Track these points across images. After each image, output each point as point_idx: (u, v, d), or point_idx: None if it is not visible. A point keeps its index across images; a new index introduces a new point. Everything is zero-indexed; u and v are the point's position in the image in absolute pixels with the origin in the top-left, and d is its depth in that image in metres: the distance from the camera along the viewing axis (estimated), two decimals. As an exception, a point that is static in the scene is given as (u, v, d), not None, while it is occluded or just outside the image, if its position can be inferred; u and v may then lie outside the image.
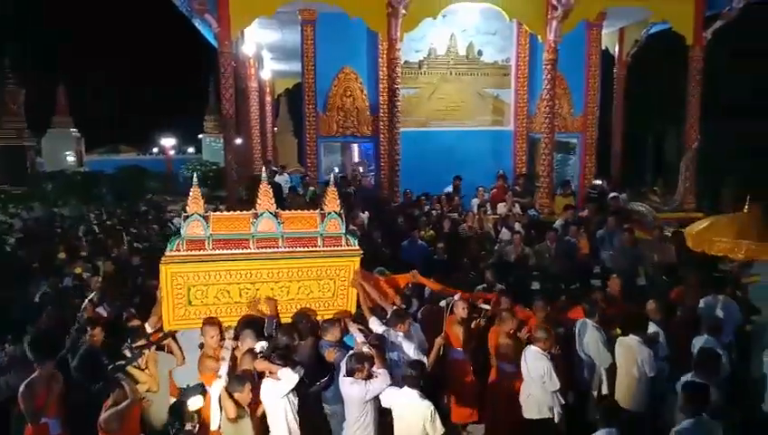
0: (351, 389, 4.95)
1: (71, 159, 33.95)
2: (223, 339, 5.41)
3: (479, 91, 13.75)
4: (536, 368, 5.47)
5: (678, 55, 12.79)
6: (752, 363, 6.20)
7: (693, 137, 12.42)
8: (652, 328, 5.99)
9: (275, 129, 22.47)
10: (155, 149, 43.81)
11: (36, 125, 31.96)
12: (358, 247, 5.75)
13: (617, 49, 15.23)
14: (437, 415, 4.84)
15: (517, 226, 9.96)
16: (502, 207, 11.22)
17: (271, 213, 5.55)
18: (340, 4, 11.02)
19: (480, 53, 13.61)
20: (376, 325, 5.68)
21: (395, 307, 5.88)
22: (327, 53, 12.80)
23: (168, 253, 5.36)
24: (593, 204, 11.03)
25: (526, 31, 12.70)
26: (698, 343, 5.94)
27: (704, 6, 12.04)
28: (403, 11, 10.72)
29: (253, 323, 5.39)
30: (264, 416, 4.93)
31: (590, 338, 6.06)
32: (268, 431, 4.93)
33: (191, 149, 43.93)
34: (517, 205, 11.30)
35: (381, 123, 12.82)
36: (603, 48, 14.61)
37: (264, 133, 18.38)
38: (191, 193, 5.58)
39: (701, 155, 12.63)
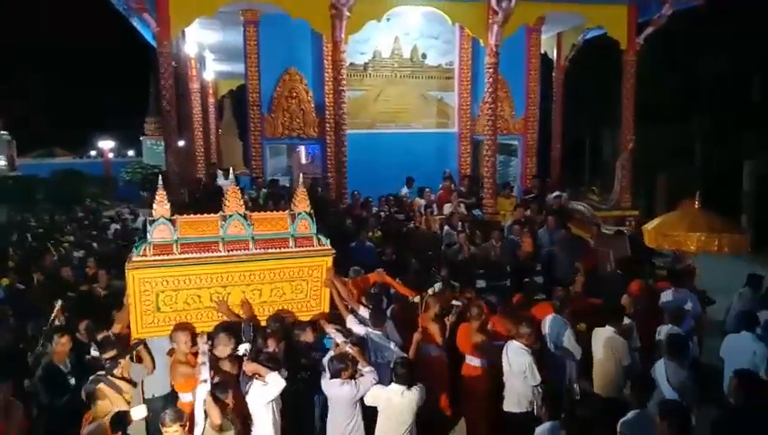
0: (342, 390, 4.93)
1: (1, 163, 32.38)
2: (195, 344, 5.23)
3: (424, 94, 13.93)
4: (518, 363, 5.56)
5: (613, 60, 13.28)
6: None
7: (628, 138, 12.91)
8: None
9: (219, 131, 22.05)
10: (92, 153, 42.28)
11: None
12: (330, 247, 5.71)
13: (555, 53, 15.69)
14: None
15: (461, 225, 10.15)
16: (448, 208, 11.39)
17: (240, 215, 5.46)
18: (282, 5, 10.93)
19: (424, 56, 13.79)
20: (354, 325, 5.68)
21: (373, 308, 5.91)
22: (271, 54, 12.69)
23: (134, 258, 5.18)
24: (535, 204, 11.31)
25: (468, 35, 12.93)
26: (663, 331, 6.29)
27: (636, 13, 12.53)
28: (347, 13, 10.73)
29: (229, 329, 5.24)
30: (245, 423, 4.78)
31: (562, 332, 6.22)
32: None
33: (131, 152, 42.63)
34: (462, 205, 11.49)
35: (327, 125, 12.81)
36: (542, 52, 15.05)
37: (207, 135, 18.01)
38: (157, 196, 5.41)
39: (636, 155, 13.14)
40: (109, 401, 4.48)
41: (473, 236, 9.80)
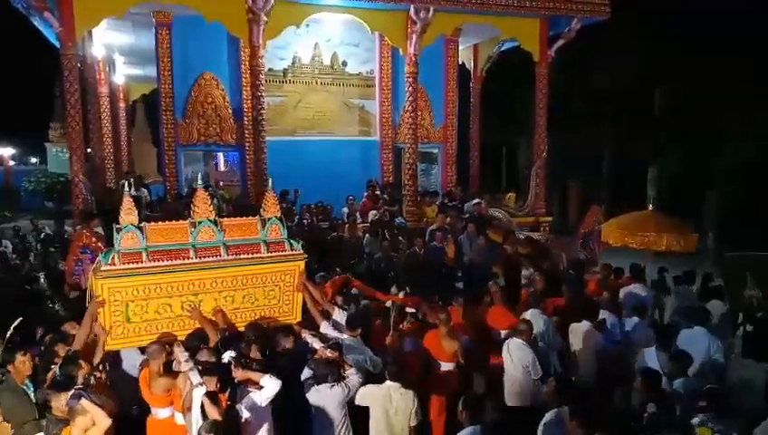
0: (333, 392, 4.89)
1: None
2: (169, 354, 5.07)
3: (345, 102, 13.88)
4: (521, 358, 5.80)
5: (527, 71, 13.76)
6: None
7: (541, 147, 13.39)
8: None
9: (131, 137, 21.06)
10: (-10, 160, 39.45)
11: None
12: (301, 251, 5.67)
13: (472, 64, 16.06)
14: None
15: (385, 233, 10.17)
16: (372, 216, 11.37)
17: (211, 221, 5.34)
18: (196, 7, 10.55)
19: (345, 63, 13.75)
20: (328, 330, 5.64)
21: (348, 313, 5.96)
22: (185, 58, 12.25)
23: (102, 267, 4.94)
24: (455, 211, 11.50)
25: (388, 44, 13.02)
26: (629, 324, 6.90)
27: (547, 27, 13.03)
28: (265, 18, 10.51)
29: (202, 337, 5.18)
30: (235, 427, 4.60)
31: (543, 325, 6.51)
32: None
33: (35, 160, 40.14)
34: (387, 213, 11.51)
35: (246, 132, 12.50)
36: (460, 63, 15.38)
37: (117, 142, 17.15)
38: (123, 203, 5.23)
39: (549, 163, 13.65)
40: (90, 417, 4.14)
41: (396, 243, 9.83)
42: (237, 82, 12.60)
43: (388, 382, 5.07)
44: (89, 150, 13.80)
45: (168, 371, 5.06)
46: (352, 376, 5.07)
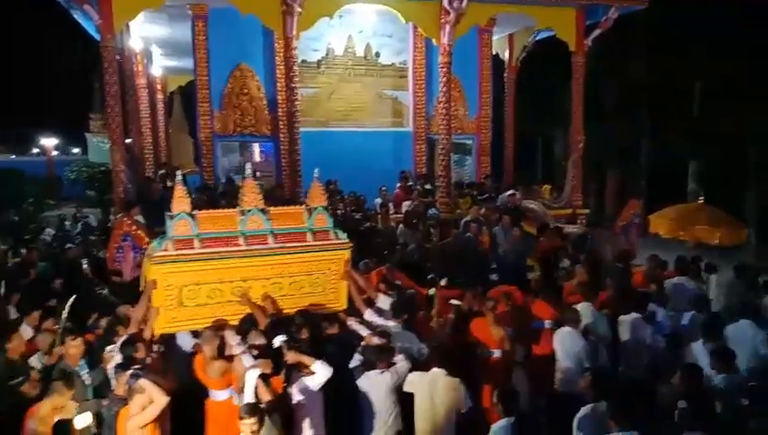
0: (382, 378, 4.96)
1: (-67, 160, 30.70)
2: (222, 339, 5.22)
3: (378, 93, 13.86)
4: (575, 346, 5.83)
5: (563, 61, 13.53)
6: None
7: (578, 138, 13.17)
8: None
9: (169, 128, 21.44)
10: (35, 151, 40.64)
11: None
12: (347, 240, 5.81)
13: (507, 54, 15.85)
14: None
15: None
16: (406, 207, 11.37)
17: (259, 210, 5.48)
18: (231, 1, 10.65)
19: (378, 54, 13.72)
20: (374, 317, 5.70)
21: (394, 300, 6.02)
22: (221, 50, 12.38)
23: (156, 253, 5.13)
24: (490, 203, 11.42)
25: (421, 34, 12.94)
26: (686, 317, 6.76)
27: (584, 16, 12.77)
28: (299, 9, 10.54)
29: (254, 321, 5.32)
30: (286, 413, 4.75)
31: (596, 320, 6.49)
32: (291, 427, 4.79)
33: (76, 150, 41.15)
34: (421, 204, 11.49)
35: (281, 123, 12.58)
36: (494, 53, 15.19)
37: (155, 133, 17.48)
38: (176, 192, 5.39)
39: (585, 155, 13.43)
40: (147, 396, 4.32)
41: (429, 234, 9.83)
42: (272, 73, 12.69)
43: (433, 369, 5.08)
44: (128, 141, 14.08)
45: (221, 354, 5.18)
46: (401, 362, 5.12)
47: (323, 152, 12.38)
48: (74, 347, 5.29)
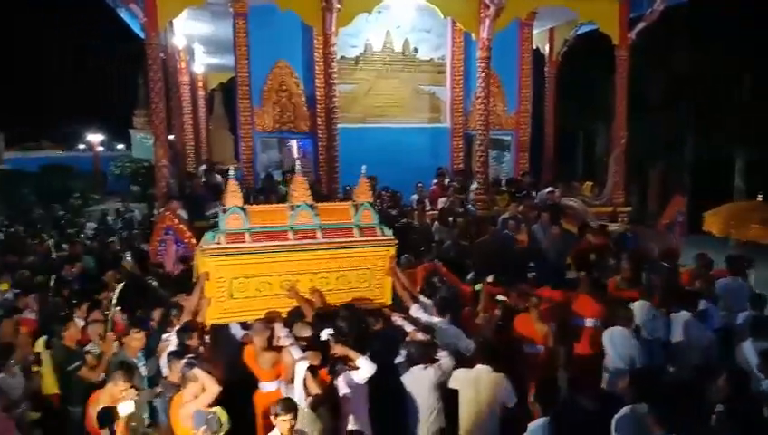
0: (426, 374, 5.00)
1: (-13, 156, 31.92)
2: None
3: (416, 88, 13.81)
4: (627, 347, 5.71)
5: (606, 55, 13.23)
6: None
7: (620, 133, 12.89)
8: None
9: (209, 124, 21.85)
10: (81, 146, 41.83)
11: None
12: (392, 237, 5.87)
13: (547, 48, 15.60)
14: None
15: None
16: (442, 204, 11.32)
17: (308, 205, 5.59)
18: (271, -3, 10.77)
19: (416, 50, 13.67)
20: (419, 313, 5.73)
21: (439, 296, 6.06)
22: (261, 47, 12.49)
23: (209, 246, 5.30)
24: (528, 199, 11.27)
25: (460, 29, 12.83)
26: (741, 317, 6.60)
27: (628, 9, 12.47)
28: (338, 5, 10.59)
29: (302, 314, 5.43)
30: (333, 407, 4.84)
31: (646, 316, 6.31)
32: (338, 421, 4.85)
33: (121, 146, 42.22)
34: (457, 200, 11.42)
35: (319, 119, 12.66)
36: (535, 47, 14.96)
37: (197, 129, 17.83)
38: (228, 186, 5.55)
39: (628, 151, 13.13)
40: (200, 384, 4.47)
41: (466, 231, 9.76)
42: (310, 69, 12.78)
43: (478, 366, 5.08)
44: (170, 137, 14.40)
45: (271, 346, 5.28)
46: (445, 359, 5.13)
47: (361, 148, 12.40)
48: (136, 340, 5.51)
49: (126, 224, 13.38)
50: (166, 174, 10.99)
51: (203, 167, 15.26)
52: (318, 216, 5.64)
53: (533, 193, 11.93)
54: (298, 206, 5.63)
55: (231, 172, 5.82)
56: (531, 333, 6.13)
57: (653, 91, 20.54)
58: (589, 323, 6.43)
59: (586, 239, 9.33)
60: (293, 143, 15.43)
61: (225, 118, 27.66)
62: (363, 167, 6.22)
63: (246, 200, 8.34)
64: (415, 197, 11.77)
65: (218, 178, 13.01)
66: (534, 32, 14.54)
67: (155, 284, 7.58)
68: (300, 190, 5.72)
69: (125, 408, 4.80)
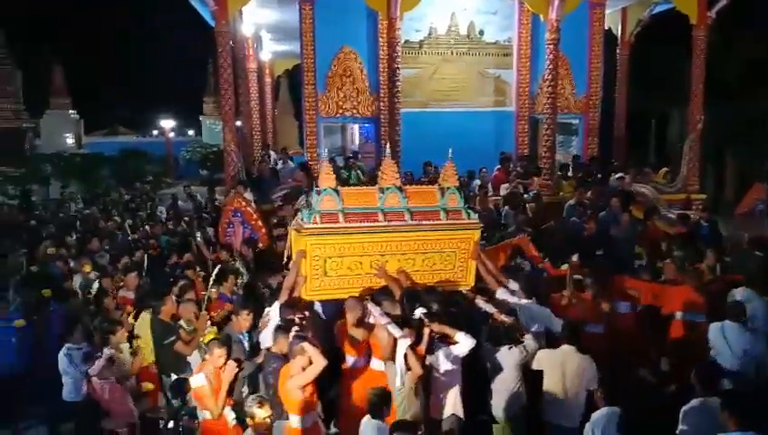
0: (510, 354, 5.11)
1: (69, 141, 33.67)
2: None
3: (481, 72, 13.60)
4: (741, 342, 5.56)
5: (682, 35, 12.60)
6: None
7: (696, 118, 12.28)
8: None
9: (275, 111, 22.29)
10: (155, 132, 43.51)
11: (34, 106, 31.72)
12: (477, 220, 6.00)
13: (620, 29, 15.02)
14: None
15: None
16: (504, 189, 11.15)
17: (396, 187, 5.76)
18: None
19: (481, 32, 13.44)
20: (506, 296, 5.82)
21: (525, 277, 6.22)
22: (326, 33, 12.60)
23: (305, 225, 5.54)
24: (596, 186, 10.95)
25: (528, 10, 12.51)
26: None
27: (708, -14, 11.83)
28: (403, -11, 10.54)
29: (388, 294, 5.55)
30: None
31: (762, 308, 6.14)
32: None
33: (191, 132, 43.66)
34: (521, 186, 11.23)
35: (382, 104, 12.70)
36: (606, 28, 14.42)
37: (263, 115, 18.22)
38: (323, 168, 5.84)
39: (704, 136, 12.50)
40: (307, 358, 4.67)
41: (535, 217, 9.61)
42: (374, 54, 12.79)
43: (563, 347, 5.11)
44: (238, 123, 14.78)
45: (362, 323, 5.43)
46: (529, 341, 5.19)
47: (424, 133, 12.41)
48: (245, 320, 5.80)
49: (197, 207, 13.83)
50: (234, 158, 11.30)
51: (269, 152, 15.60)
52: (406, 198, 5.78)
53: (604, 179, 11.56)
54: (387, 188, 5.76)
55: (324, 154, 6.02)
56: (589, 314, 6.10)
57: (732, 74, 19.39)
58: (680, 315, 6.26)
59: (657, 227, 8.99)
60: (355, 128, 15.56)
61: (289, 104, 28.18)
62: (450, 150, 6.27)
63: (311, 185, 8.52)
64: (477, 182, 11.63)
65: (290, 163, 13.29)
66: (606, 12, 13.98)
67: (237, 265, 7.83)
68: (389, 173, 5.85)
69: (197, 380, 5.02)
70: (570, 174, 11.99)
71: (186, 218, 12.30)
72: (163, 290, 6.53)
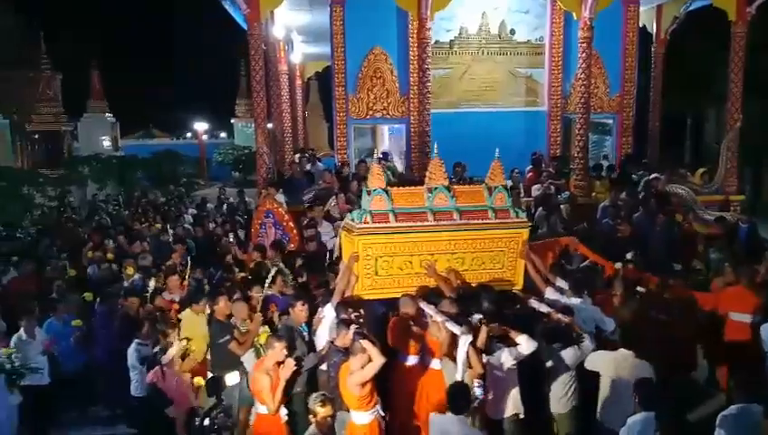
0: (565, 354, 5.15)
1: (106, 143, 34.41)
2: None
3: (512, 71, 13.48)
4: None
5: (720, 32, 12.29)
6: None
7: (734, 117, 11.97)
8: None
9: (306, 113, 22.48)
10: (188, 134, 44.21)
11: (72, 110, 32.50)
12: (526, 219, 6.04)
13: (654, 26, 14.75)
14: None
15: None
16: (536, 190, 11.03)
17: (444, 187, 5.83)
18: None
19: (513, 31, 13.33)
20: (556, 295, 5.85)
21: (575, 275, 6.21)
22: (357, 34, 12.65)
23: (357, 225, 5.64)
24: (630, 186, 10.76)
25: (560, 8, 12.36)
26: None
27: (747, -20, 11.51)
28: (434, -11, 10.52)
29: (438, 294, 5.59)
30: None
31: None
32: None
33: (223, 134, 44.25)
34: (553, 187, 11.09)
35: (411, 105, 12.69)
36: (641, 25, 14.16)
37: (294, 117, 18.38)
38: (372, 169, 5.93)
39: (743, 135, 12.18)
40: (367, 355, 4.75)
41: (569, 218, 9.51)
42: (405, 55, 12.77)
43: (621, 350, 5.07)
44: (269, 125, 14.92)
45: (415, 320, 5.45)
46: (586, 341, 5.17)
47: (454, 134, 12.34)
48: (301, 311, 5.89)
49: (229, 209, 14.00)
50: (266, 160, 11.42)
51: (300, 154, 15.71)
52: (454, 198, 5.81)
53: (638, 180, 11.35)
54: (436, 188, 5.81)
55: (375, 156, 6.46)
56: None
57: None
58: (747, 318, 6.18)
59: (695, 229, 8.80)
60: (384, 129, 15.57)
61: (319, 106, 28.40)
62: (497, 150, 6.26)
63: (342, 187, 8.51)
64: (509, 183, 11.51)
65: (319, 165, 13.37)
66: (641, 9, 13.75)
67: (281, 265, 7.90)
68: (437, 173, 5.90)
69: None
70: (603, 174, 11.81)
71: (217, 219, 12.46)
72: (218, 290, 6.61)
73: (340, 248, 6.12)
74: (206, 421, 5.23)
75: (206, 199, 17.04)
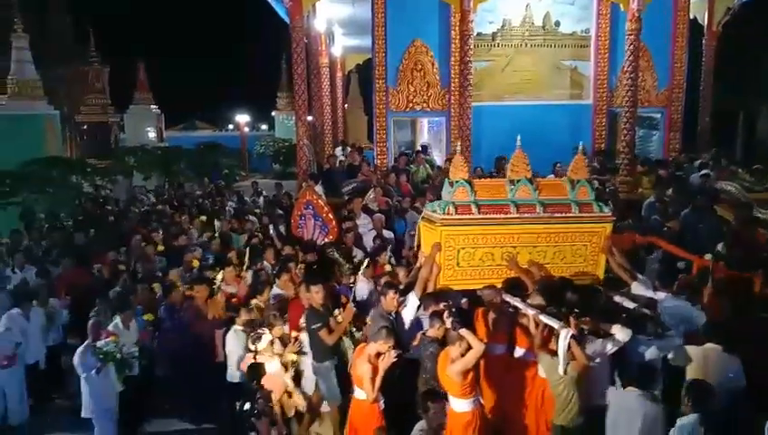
0: (651, 348, 5.03)
1: (151, 134, 35.15)
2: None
3: (556, 64, 13.23)
4: None
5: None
6: None
7: (791, 112, 11.49)
8: None
9: (346, 105, 22.52)
10: (230, 126, 44.83)
11: (119, 102, 33.34)
12: (610, 214, 5.92)
13: (706, 18, 14.27)
14: None
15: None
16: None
17: (527, 180, 5.79)
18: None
19: (557, 23, 13.07)
20: (641, 290, 5.74)
21: (659, 270, 6.25)
22: (398, 27, 12.62)
23: (440, 217, 5.65)
24: (678, 183, 10.43)
25: (607, -1, 12.06)
26: None
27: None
28: (477, -19, 10.38)
29: (519, 284, 5.59)
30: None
31: None
32: None
33: (264, 126, 44.73)
34: (596, 182, 10.84)
35: (452, 98, 12.57)
36: (691, 17, 13.70)
37: (335, 110, 18.45)
38: (455, 161, 5.89)
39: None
40: (466, 343, 4.77)
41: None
42: (446, 48, 12.67)
43: (708, 344, 4.94)
44: (310, 118, 15.00)
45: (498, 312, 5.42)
46: (671, 335, 5.08)
47: (496, 127, 12.20)
48: (393, 299, 5.84)
49: (269, 201, 14.07)
50: (306, 153, 11.49)
51: (340, 146, 15.77)
52: (537, 191, 5.76)
53: (686, 176, 11.00)
54: (518, 181, 5.76)
55: (458, 147, 6.27)
56: None
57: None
58: None
59: (744, 227, 8.44)
60: (424, 123, 15.47)
61: (360, 99, 28.37)
62: (581, 143, 6.27)
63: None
64: (552, 177, 11.31)
65: (358, 158, 13.37)
66: (692, 0, 13.30)
67: (337, 255, 7.92)
68: (520, 165, 5.84)
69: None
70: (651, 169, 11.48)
71: (256, 212, 12.52)
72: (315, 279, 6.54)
73: (419, 240, 6.12)
74: (247, 406, 5.29)
75: (242, 193, 17.06)
